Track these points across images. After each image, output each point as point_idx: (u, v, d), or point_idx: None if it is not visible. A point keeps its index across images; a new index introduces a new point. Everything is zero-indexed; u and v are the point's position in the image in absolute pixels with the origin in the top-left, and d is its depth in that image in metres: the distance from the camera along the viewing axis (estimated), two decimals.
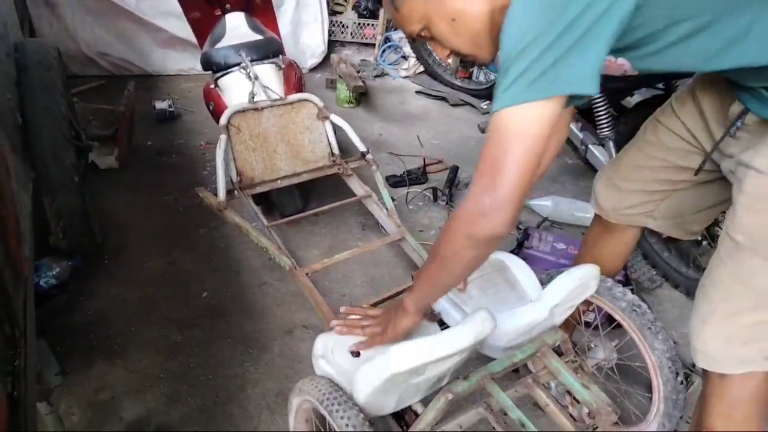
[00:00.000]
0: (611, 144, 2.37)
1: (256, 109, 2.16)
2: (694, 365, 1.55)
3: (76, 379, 1.74)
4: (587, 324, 1.65)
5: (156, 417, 1.66)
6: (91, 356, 1.82)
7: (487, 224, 0.95)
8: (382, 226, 2.19)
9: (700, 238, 2.08)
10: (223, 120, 2.08)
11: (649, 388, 1.49)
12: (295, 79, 2.44)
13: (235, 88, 2.28)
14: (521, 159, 0.90)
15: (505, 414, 1.20)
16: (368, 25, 4.37)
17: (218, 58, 2.35)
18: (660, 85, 2.38)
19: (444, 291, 1.22)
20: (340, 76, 3.61)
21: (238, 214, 2.00)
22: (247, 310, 2.06)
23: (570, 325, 1.64)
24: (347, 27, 4.39)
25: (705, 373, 1.20)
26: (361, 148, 2.23)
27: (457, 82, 3.85)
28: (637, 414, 1.59)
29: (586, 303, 1.53)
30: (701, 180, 1.32)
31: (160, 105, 3.28)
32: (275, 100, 2.20)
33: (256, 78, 2.22)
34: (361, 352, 1.27)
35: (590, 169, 2.61)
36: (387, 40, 4.28)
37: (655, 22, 0.93)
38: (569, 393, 1.28)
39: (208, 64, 2.40)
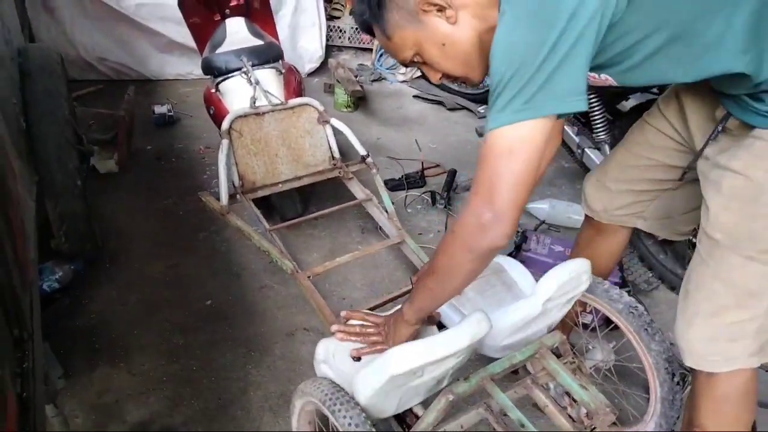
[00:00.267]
0: (607, 147, 2.40)
1: (257, 114, 2.17)
2: None
3: (79, 382, 1.75)
4: (585, 326, 1.67)
5: (159, 420, 1.67)
6: (93, 359, 1.84)
7: (487, 238, 0.98)
8: (381, 229, 2.21)
9: (695, 241, 2.09)
10: (225, 125, 2.09)
11: (646, 389, 1.51)
12: (295, 84, 2.46)
13: (236, 93, 2.30)
14: (518, 173, 0.94)
15: (505, 414, 1.22)
16: None
17: (219, 62, 2.36)
18: (655, 90, 2.41)
19: (443, 302, 1.25)
20: (338, 81, 3.62)
21: (240, 217, 2.01)
22: (249, 313, 2.07)
23: (568, 327, 1.66)
24: (345, 32, 4.41)
25: (693, 372, 1.24)
26: (362, 151, 2.25)
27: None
28: (635, 414, 1.61)
29: (583, 305, 1.56)
30: (689, 180, 1.35)
31: (159, 109, 3.28)
32: (276, 104, 2.22)
33: (258, 83, 2.23)
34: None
35: (587, 172, 2.63)
36: None
37: (630, 36, 0.97)
38: (568, 394, 1.29)
39: (209, 68, 2.41)
